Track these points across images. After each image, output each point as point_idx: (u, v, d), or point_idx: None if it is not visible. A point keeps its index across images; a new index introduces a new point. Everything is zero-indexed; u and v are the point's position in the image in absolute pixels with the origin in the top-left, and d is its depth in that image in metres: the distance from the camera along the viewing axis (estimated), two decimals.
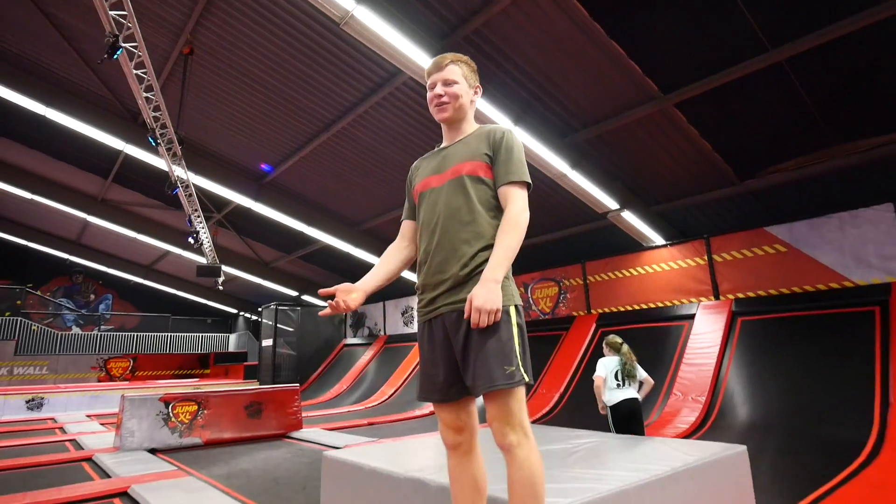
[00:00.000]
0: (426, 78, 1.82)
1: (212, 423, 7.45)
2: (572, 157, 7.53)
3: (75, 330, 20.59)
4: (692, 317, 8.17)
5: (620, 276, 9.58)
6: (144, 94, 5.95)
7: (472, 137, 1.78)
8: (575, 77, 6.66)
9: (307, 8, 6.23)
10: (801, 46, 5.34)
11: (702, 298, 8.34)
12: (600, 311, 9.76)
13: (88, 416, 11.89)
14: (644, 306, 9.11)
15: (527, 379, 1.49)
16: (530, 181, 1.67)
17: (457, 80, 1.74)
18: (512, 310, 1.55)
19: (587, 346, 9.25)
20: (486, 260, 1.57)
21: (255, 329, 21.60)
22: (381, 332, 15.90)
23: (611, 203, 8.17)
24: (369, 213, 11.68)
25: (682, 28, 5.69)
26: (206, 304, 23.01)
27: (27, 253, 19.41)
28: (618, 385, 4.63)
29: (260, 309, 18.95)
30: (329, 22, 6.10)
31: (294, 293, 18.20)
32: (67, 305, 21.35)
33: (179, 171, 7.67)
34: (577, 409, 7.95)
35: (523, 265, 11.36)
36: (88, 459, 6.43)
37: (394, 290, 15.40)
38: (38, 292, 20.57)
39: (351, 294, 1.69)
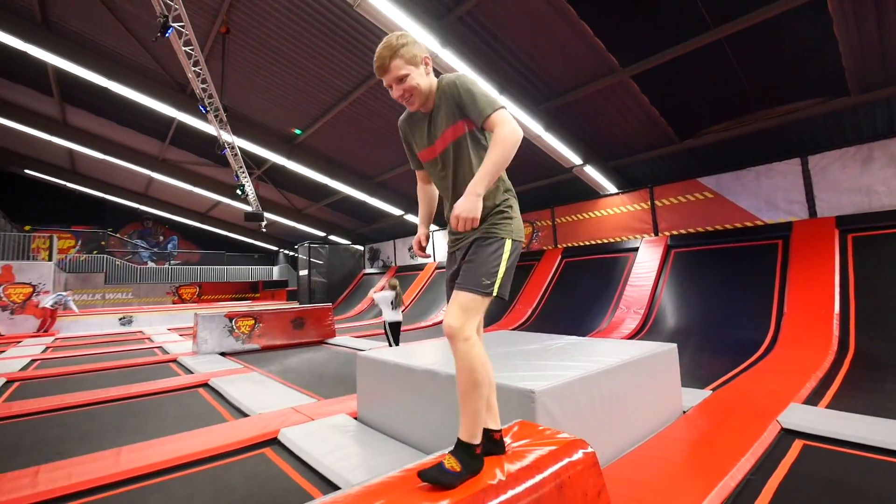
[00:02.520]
0: (378, 76, 1.52)
1: (266, 333, 7.65)
2: (546, 120, 7.32)
3: (150, 264, 20.59)
4: (636, 249, 8.27)
5: (582, 218, 9.58)
6: (193, 69, 5.59)
7: (441, 101, 1.52)
8: (550, 53, 6.33)
9: None
10: (737, 26, 5.08)
11: (644, 235, 8.40)
12: (565, 245, 9.84)
13: (169, 329, 12.12)
14: (599, 241, 9.18)
15: (495, 294, 1.44)
16: (501, 104, 1.44)
17: (404, 72, 1.46)
18: (508, 243, 1.49)
19: (554, 272, 9.40)
20: (491, 203, 1.51)
21: (292, 262, 21.71)
22: (393, 264, 16.03)
23: (576, 159, 8.03)
24: (381, 168, 11.43)
25: (640, 8, 5.36)
26: (252, 243, 22.93)
27: (105, 203, 19.03)
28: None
29: (296, 246, 18.97)
30: (344, 4, 5.71)
31: (322, 234, 18.12)
32: (142, 245, 21.22)
33: (225, 135, 7.37)
34: (546, 320, 8.20)
35: None
36: (174, 361, 6.63)
37: (401, 230, 15.39)
38: (118, 235, 20.37)
39: (426, 242, 1.82)
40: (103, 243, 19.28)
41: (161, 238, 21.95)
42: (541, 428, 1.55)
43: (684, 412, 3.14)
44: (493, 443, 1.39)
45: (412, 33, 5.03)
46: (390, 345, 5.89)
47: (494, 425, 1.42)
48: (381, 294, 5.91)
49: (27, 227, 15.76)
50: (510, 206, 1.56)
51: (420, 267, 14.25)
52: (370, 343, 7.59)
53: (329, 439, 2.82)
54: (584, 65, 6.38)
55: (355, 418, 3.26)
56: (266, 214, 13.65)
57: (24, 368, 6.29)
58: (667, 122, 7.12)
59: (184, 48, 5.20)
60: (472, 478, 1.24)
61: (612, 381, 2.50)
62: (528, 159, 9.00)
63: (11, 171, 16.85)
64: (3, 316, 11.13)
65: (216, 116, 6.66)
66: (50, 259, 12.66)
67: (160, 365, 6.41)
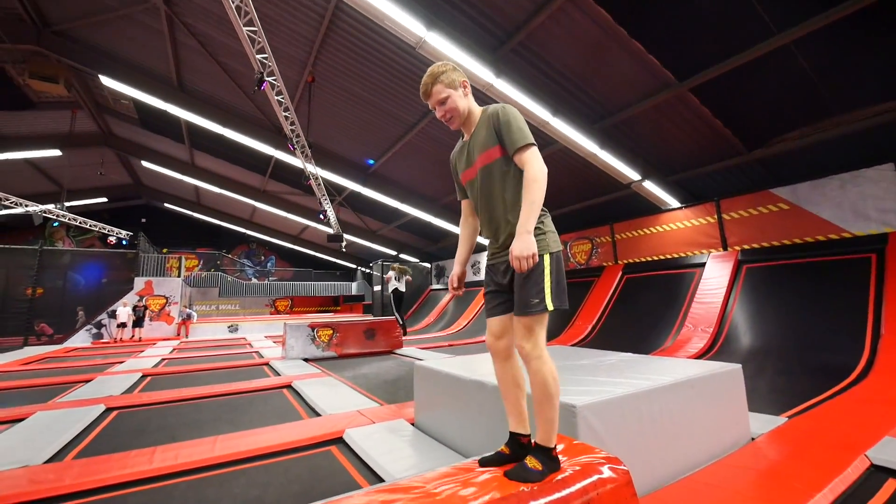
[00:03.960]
0: (424, 100, 1.66)
1: (342, 342, 8.06)
2: (600, 139, 7.03)
3: (253, 280, 22.78)
4: (703, 265, 7.54)
5: (642, 233, 8.98)
6: (283, 113, 6.22)
7: (480, 126, 1.63)
8: (602, 73, 6.14)
9: (391, 37, 6.20)
10: (806, 28, 4.55)
11: (711, 250, 7.65)
12: (626, 261, 9.27)
13: (265, 336, 13.25)
14: (662, 257, 8.52)
15: (550, 308, 1.46)
16: (533, 140, 1.52)
17: (444, 95, 1.59)
18: (546, 257, 1.52)
19: (615, 288, 8.86)
20: None
21: (368, 278, 22.74)
22: None
23: (633, 175, 7.59)
24: (444, 192, 11.70)
25: (694, 20, 5.03)
26: (335, 262, 24.46)
27: (220, 229, 21.55)
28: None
29: (371, 264, 19.87)
30: (407, 47, 6.04)
31: (393, 252, 18.84)
32: (248, 264, 23.60)
33: (310, 167, 8.04)
34: (607, 336, 7.73)
35: (562, 227, 10.92)
36: (267, 364, 7.22)
37: None
38: (230, 255, 22.88)
39: (460, 282, 1.83)
40: (219, 262, 21.77)
41: (262, 258, 24.26)
42: (575, 442, 1.47)
43: (752, 439, 2.76)
44: (520, 446, 1.41)
45: (468, 67, 5.13)
46: (396, 311, 7.94)
47: (524, 430, 1.45)
48: (389, 275, 8.16)
49: (164, 250, 18.33)
50: (542, 223, 1.57)
51: (482, 283, 14.19)
52: (434, 354, 7.67)
53: (387, 441, 2.89)
54: (638, 82, 6.09)
55: (412, 423, 3.31)
56: (345, 236, 14.54)
57: (156, 366, 7.23)
58: (732, 133, 6.51)
59: (276, 97, 5.81)
60: (553, 475, 1.33)
61: (664, 401, 2.29)
62: (584, 177, 8.70)
63: (155, 205, 19.78)
64: (145, 322, 12.94)
65: (302, 153, 7.31)
66: (179, 276, 14.54)
67: (256, 367, 7.01)
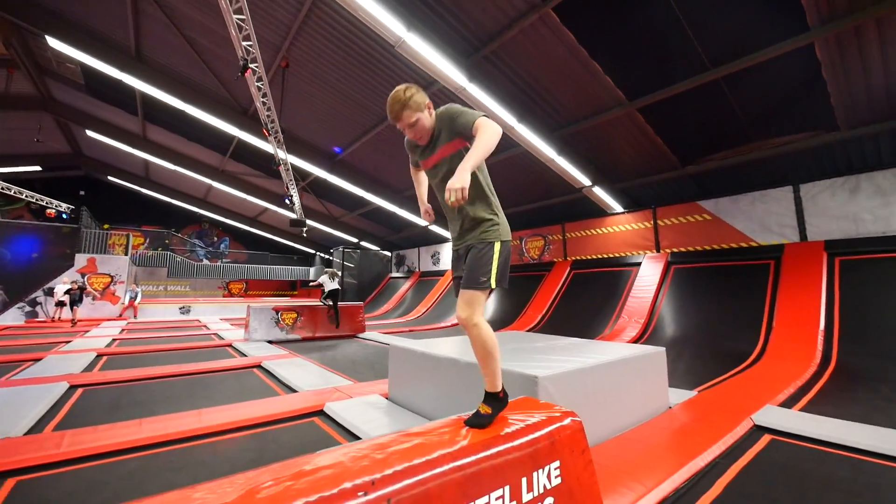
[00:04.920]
0: (392, 122, 1.71)
1: (306, 325, 8.08)
2: (559, 145, 7.55)
3: (205, 262, 21.58)
4: (639, 264, 8.37)
5: (590, 234, 9.72)
6: (261, 100, 6.10)
7: (440, 126, 1.72)
8: (564, 87, 6.60)
9: (370, 32, 6.23)
10: (733, 68, 5.25)
11: (647, 251, 8.49)
12: (574, 258, 9.99)
13: (221, 319, 12.76)
14: (606, 255, 9.30)
15: (493, 286, 1.66)
16: (484, 114, 1.62)
17: (413, 118, 1.66)
18: (497, 244, 1.70)
19: (563, 282, 9.55)
20: (480, 216, 1.75)
21: (327, 264, 22.33)
22: (416, 269, 16.39)
23: (585, 180, 8.21)
24: (410, 183, 11.82)
25: (643, 49, 5.59)
26: (292, 246, 23.72)
27: (171, 207, 20.13)
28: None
29: (332, 250, 19.57)
30: (386, 43, 6.12)
31: (355, 240, 18.68)
32: (199, 245, 22.28)
33: (281, 154, 7.89)
34: (555, 324, 8.36)
35: (520, 224, 11.51)
36: (229, 346, 7.10)
37: (425, 239, 15.76)
38: (179, 234, 21.47)
39: (430, 212, 2.08)
40: (167, 241, 20.36)
41: (215, 239, 22.98)
42: (541, 402, 1.82)
43: (670, 407, 3.32)
44: (498, 399, 1.67)
45: (444, 70, 5.34)
46: (332, 308, 8.53)
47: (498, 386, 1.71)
48: (322, 278, 8.55)
49: (106, 226, 16.87)
50: (496, 214, 1.78)
51: (441, 273, 14.56)
52: (394, 339, 7.92)
53: (366, 413, 3.14)
54: (594, 98, 6.62)
55: (386, 398, 3.57)
56: (307, 221, 14.25)
57: (109, 346, 6.87)
58: (670, 150, 7.26)
59: (256, 83, 5.69)
60: (501, 412, 1.61)
61: (605, 375, 2.74)
62: (541, 179, 9.23)
63: (96, 178, 18.09)
64: (87, 301, 11.98)
65: (275, 138, 7.16)
66: (126, 254, 13.55)
67: (218, 348, 6.89)
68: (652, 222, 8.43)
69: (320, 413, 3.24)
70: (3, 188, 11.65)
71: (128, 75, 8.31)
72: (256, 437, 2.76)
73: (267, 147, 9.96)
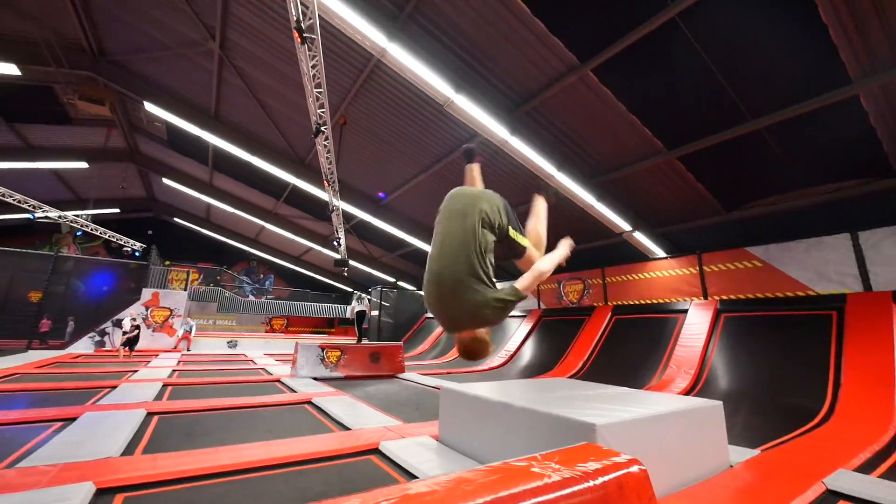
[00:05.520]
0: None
1: (349, 364, 8.30)
2: (598, 192, 7.72)
3: (251, 297, 22.72)
4: (686, 311, 8.11)
5: (631, 278, 9.58)
6: (326, 155, 6.77)
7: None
8: (602, 138, 6.87)
9: (420, 93, 6.86)
10: (774, 118, 5.34)
11: (693, 298, 8.25)
12: (615, 303, 9.81)
13: (265, 354, 13.28)
14: (649, 301, 9.09)
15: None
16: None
17: (469, 338, 1.88)
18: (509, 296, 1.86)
19: (604, 327, 9.34)
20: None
21: (361, 291, 22.84)
22: None
23: (625, 226, 8.26)
24: None
25: (682, 102, 5.80)
26: (332, 284, 24.57)
27: (223, 245, 21.69)
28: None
29: (369, 290, 20.11)
30: (435, 102, 6.70)
31: (392, 279, 19.17)
32: (247, 281, 23.60)
33: (335, 201, 8.55)
34: (597, 372, 8.12)
35: (559, 269, 11.51)
36: (278, 381, 7.41)
37: None
38: (231, 271, 22.90)
39: None
40: (219, 278, 21.74)
41: (261, 276, 24.30)
42: (604, 448, 1.90)
43: (731, 466, 3.19)
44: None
45: (488, 125, 5.80)
46: (358, 331, 10.11)
47: None
48: (353, 304, 10.61)
49: (167, 262, 18.38)
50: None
51: None
52: (435, 380, 7.95)
53: (420, 453, 3.24)
54: (632, 147, 6.83)
55: (436, 439, 3.65)
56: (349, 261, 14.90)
57: (170, 376, 7.37)
58: (713, 196, 7.25)
59: (324, 142, 6.37)
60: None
61: (662, 427, 2.73)
62: (580, 223, 9.34)
63: (163, 219, 19.96)
64: (147, 333, 12.92)
65: (333, 188, 7.83)
66: (185, 289, 14.63)
67: (268, 383, 7.21)
68: (697, 268, 8.24)
69: (376, 451, 3.38)
70: (92, 229, 13.12)
71: (206, 132, 9.47)
72: (321, 471, 2.92)
73: (317, 192, 10.81)
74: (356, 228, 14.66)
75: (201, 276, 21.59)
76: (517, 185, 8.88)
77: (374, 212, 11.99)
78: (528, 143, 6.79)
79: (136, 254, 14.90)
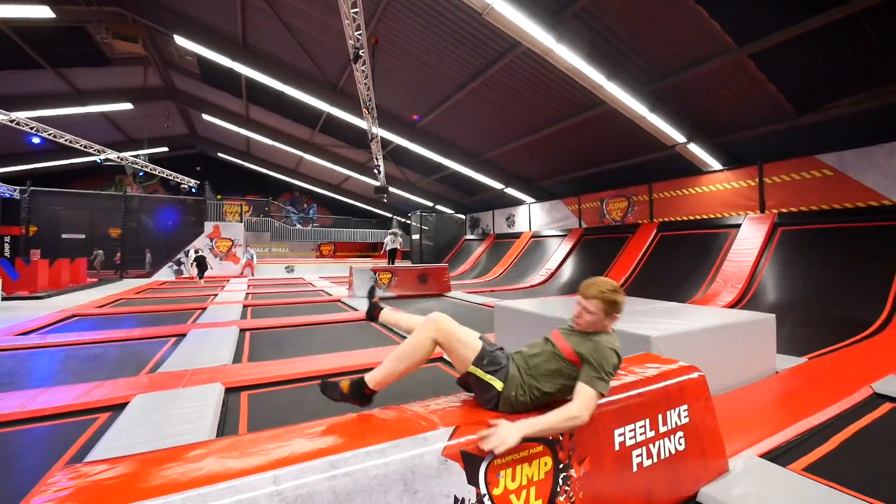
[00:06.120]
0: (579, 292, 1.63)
1: (400, 284, 8.89)
2: (651, 102, 7.08)
3: (298, 226, 23.92)
4: (738, 226, 7.78)
5: (680, 194, 9.13)
6: (364, 81, 6.53)
7: (581, 340, 1.54)
8: (660, 38, 6.12)
9: (456, 1, 6.23)
10: None
11: (749, 212, 7.83)
12: (661, 220, 9.52)
13: (320, 277, 14.37)
14: (698, 217, 8.74)
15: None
16: (602, 392, 1.43)
17: (593, 311, 1.55)
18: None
19: (648, 244, 9.21)
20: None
21: (405, 227, 23.48)
22: (491, 231, 16.65)
23: (679, 137, 7.66)
24: (485, 148, 11.88)
25: None
26: (372, 210, 25.17)
27: (266, 177, 22.36)
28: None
29: (409, 214, 20.48)
30: (472, 11, 6.09)
31: (430, 204, 19.33)
32: (293, 211, 24.65)
33: (374, 128, 8.42)
34: (639, 288, 8.23)
35: (600, 184, 11.12)
36: (338, 301, 8.16)
37: (500, 202, 15.82)
38: (277, 202, 23.90)
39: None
40: (267, 209, 22.84)
41: (305, 205, 25.21)
42: (663, 357, 2.08)
43: (777, 372, 3.35)
44: (362, 394, 1.59)
45: (530, 31, 5.29)
46: (391, 262, 11.13)
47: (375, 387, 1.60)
48: (387, 238, 11.49)
49: (219, 196, 19.40)
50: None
51: (517, 235, 14.69)
52: (480, 297, 8.43)
53: None
54: (696, 47, 6.06)
55: None
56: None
57: (246, 299, 8.29)
58: (785, 98, 6.46)
59: (361, 68, 6.10)
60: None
61: (713, 337, 2.87)
62: (628, 137, 8.75)
63: (208, 154, 20.59)
64: (215, 262, 14.22)
65: (371, 115, 7.66)
66: (241, 221, 15.61)
67: (331, 303, 7.96)
68: (757, 180, 7.68)
69: (440, 359, 3.81)
70: (150, 168, 13.89)
71: (237, 63, 9.27)
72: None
73: (352, 119, 10.61)
74: (392, 154, 14.50)
75: (251, 209, 22.80)
76: (560, 99, 8.28)
77: (410, 136, 11.72)
78: (576, 50, 6.17)
79: (193, 190, 15.77)
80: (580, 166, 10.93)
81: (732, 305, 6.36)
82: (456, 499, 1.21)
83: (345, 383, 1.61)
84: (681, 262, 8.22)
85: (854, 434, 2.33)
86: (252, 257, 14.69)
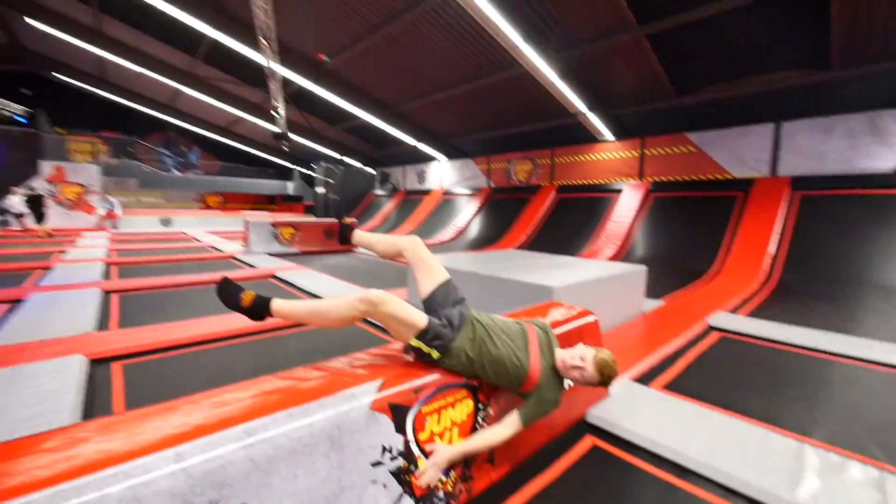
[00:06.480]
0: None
1: (304, 240, 8.33)
2: (561, 68, 7.40)
3: (175, 172, 20.47)
4: (620, 191, 8.85)
5: (578, 160, 9.98)
6: (261, 5, 5.51)
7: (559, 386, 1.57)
8: (574, 7, 6.31)
9: None
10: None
11: (630, 179, 8.93)
12: (560, 182, 10.34)
13: (207, 231, 12.70)
14: (591, 182, 9.70)
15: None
16: (526, 422, 1.47)
17: (591, 369, 1.50)
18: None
19: (549, 206, 10.00)
20: None
21: (307, 179, 21.74)
22: (401, 187, 16.35)
23: (581, 106, 8.23)
24: (400, 98, 11.32)
25: None
26: (268, 159, 22.65)
27: (129, 111, 18.35)
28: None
29: (313, 165, 18.94)
30: None
31: (336, 155, 18.08)
32: (167, 154, 20.89)
33: (274, 65, 7.34)
34: (539, 244, 8.97)
35: (509, 146, 11.55)
36: (231, 258, 7.32)
37: (412, 157, 15.49)
38: (144, 143, 19.94)
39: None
40: (131, 150, 18.96)
41: (183, 148, 21.54)
42: (565, 304, 2.30)
43: (643, 313, 4.01)
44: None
45: None
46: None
47: None
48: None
49: (59, 130, 15.42)
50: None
51: (427, 192, 14.68)
52: None
53: None
54: (604, 20, 6.40)
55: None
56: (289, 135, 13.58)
57: (108, 256, 6.94)
58: (668, 79, 7.29)
59: None
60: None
61: (601, 286, 3.29)
62: (537, 101, 9.11)
63: (40, 75, 15.99)
64: (61, 211, 11.53)
65: (271, 49, 6.61)
66: (92, 162, 12.73)
67: (223, 260, 7.12)
68: (639, 151, 8.74)
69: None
70: None
71: None
72: (308, 334, 3.21)
73: (244, 50, 9.12)
74: (294, 97, 12.93)
75: (111, 148, 18.67)
76: (478, 55, 8.16)
77: (315, 78, 10.55)
78: (493, 2, 6.03)
79: (22, 120, 12.22)
80: (492, 127, 11.15)
81: (612, 259, 7.36)
82: (384, 448, 1.20)
83: (249, 296, 1.55)
84: (574, 221, 9.15)
85: (696, 358, 2.94)
86: (113, 206, 12.19)
